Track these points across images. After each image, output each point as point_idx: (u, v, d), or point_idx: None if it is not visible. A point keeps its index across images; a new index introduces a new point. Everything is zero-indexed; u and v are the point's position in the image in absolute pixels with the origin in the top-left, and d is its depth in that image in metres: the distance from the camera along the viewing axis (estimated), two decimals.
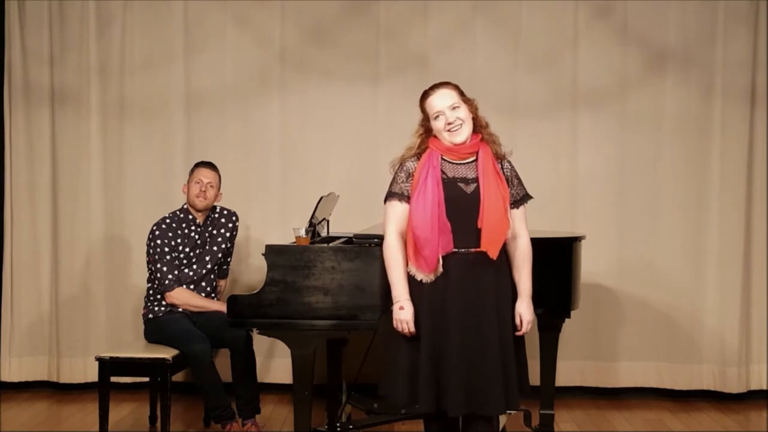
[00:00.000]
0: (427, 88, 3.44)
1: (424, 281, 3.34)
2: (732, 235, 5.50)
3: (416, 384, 3.31)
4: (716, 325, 5.54)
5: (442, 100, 3.34)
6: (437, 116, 3.34)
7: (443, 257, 3.31)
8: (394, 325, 3.36)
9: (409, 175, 3.39)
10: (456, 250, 3.31)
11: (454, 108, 3.33)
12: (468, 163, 3.38)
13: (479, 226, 3.29)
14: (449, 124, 3.32)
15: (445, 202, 3.31)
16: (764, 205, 5.56)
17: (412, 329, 3.32)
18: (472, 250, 3.31)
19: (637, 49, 5.54)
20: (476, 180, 3.34)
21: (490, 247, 3.28)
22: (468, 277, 3.31)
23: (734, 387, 5.56)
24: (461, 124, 3.33)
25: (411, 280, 3.37)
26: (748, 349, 5.59)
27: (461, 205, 3.32)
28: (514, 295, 3.40)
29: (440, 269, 3.31)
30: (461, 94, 3.38)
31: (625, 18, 5.57)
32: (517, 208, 3.42)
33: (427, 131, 3.42)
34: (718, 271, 5.47)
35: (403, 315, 3.32)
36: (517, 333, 3.37)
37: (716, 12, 5.53)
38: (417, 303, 3.35)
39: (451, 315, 3.31)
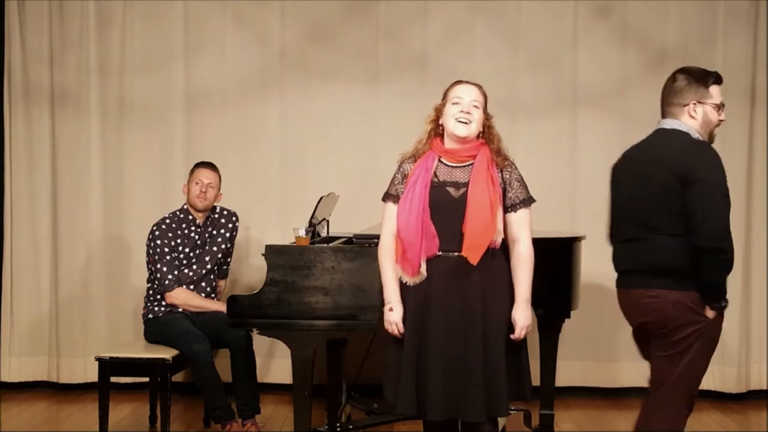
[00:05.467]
0: (459, 79, 3.46)
1: (408, 284, 3.35)
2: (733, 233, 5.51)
3: (399, 385, 3.33)
4: None
5: (467, 93, 3.36)
6: (456, 102, 3.34)
7: (428, 260, 3.31)
8: (385, 326, 3.38)
9: (405, 177, 3.41)
10: (441, 253, 3.31)
11: (473, 105, 3.35)
12: (464, 166, 3.37)
13: (464, 230, 3.28)
14: (462, 113, 3.33)
15: (430, 205, 3.31)
16: (764, 205, 5.57)
17: (402, 330, 3.34)
18: (457, 254, 3.30)
19: (637, 48, 5.55)
20: (467, 184, 3.33)
21: (470, 252, 3.25)
22: (453, 281, 3.31)
23: (734, 387, 5.58)
24: (470, 121, 3.34)
25: (399, 282, 3.38)
26: (747, 349, 5.60)
27: (447, 209, 3.32)
28: (513, 299, 3.37)
29: (423, 273, 3.31)
30: (485, 102, 3.41)
31: (625, 18, 5.58)
32: (515, 211, 3.38)
33: (437, 120, 3.42)
34: None
35: (392, 316, 3.35)
36: (513, 338, 3.34)
37: (716, 12, 5.54)
38: (403, 305, 3.36)
39: (434, 318, 3.31)
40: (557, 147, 5.57)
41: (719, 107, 3.35)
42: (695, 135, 3.29)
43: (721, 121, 3.38)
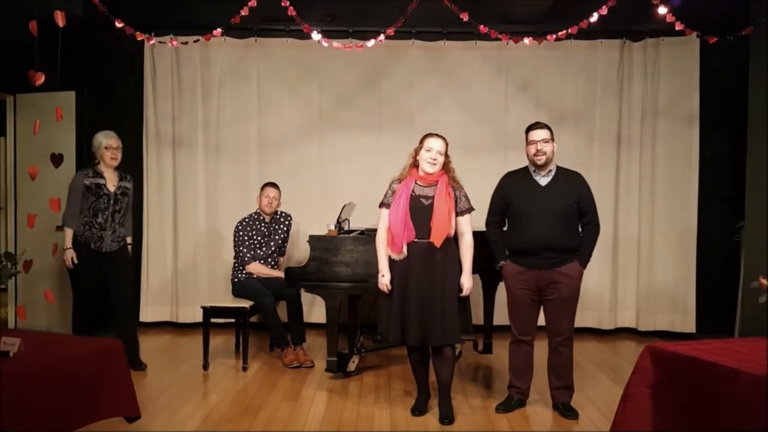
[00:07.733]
0: (431, 132, 3.46)
1: (395, 259, 3.38)
2: (605, 228, 5.41)
3: (390, 323, 3.37)
4: (595, 285, 5.55)
5: (435, 144, 3.39)
6: (428, 150, 3.36)
7: (408, 245, 3.35)
8: (378, 286, 3.42)
9: (393, 192, 3.44)
10: (416, 240, 3.35)
11: (439, 153, 3.39)
12: (431, 186, 3.41)
13: (431, 226, 3.34)
14: (431, 158, 3.37)
15: (409, 210, 3.35)
16: (627, 211, 5.55)
17: (390, 288, 3.38)
18: (426, 240, 3.34)
19: (547, 111, 5.48)
20: (433, 197, 3.37)
21: (436, 239, 3.30)
22: (423, 258, 3.33)
23: (607, 325, 5.57)
24: (435, 164, 3.39)
25: (389, 258, 3.41)
26: (616, 300, 5.59)
27: (420, 212, 3.35)
28: (461, 270, 3.38)
29: (405, 252, 3.34)
30: (446, 148, 3.42)
31: (538, 91, 5.55)
32: (463, 215, 3.42)
33: (415, 157, 3.42)
34: (597, 250, 5.46)
35: (383, 280, 3.39)
36: (461, 295, 3.36)
37: (595, 85, 5.52)
38: (392, 273, 3.40)
39: (412, 281, 3.34)
40: (494, 175, 5.43)
41: (527, 144, 3.48)
42: (528, 164, 3.49)
43: (536, 152, 3.44)
